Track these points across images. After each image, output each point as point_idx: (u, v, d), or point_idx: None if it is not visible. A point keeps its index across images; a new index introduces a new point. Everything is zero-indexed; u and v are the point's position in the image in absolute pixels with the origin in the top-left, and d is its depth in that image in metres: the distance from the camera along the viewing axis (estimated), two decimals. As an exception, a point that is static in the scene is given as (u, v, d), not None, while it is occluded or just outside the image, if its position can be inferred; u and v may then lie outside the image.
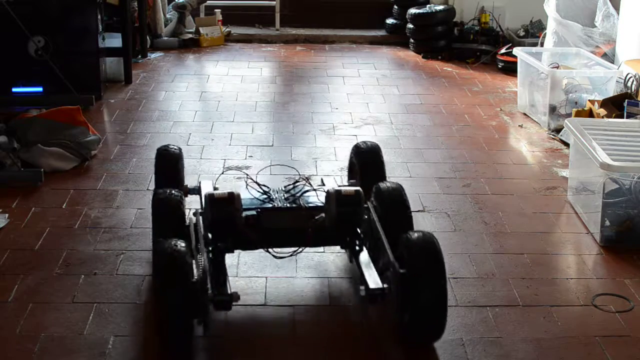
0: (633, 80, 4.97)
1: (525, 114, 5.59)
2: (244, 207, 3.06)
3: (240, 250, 3.31)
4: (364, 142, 3.66)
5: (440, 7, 7.25)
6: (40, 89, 5.49)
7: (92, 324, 2.97)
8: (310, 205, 3.17)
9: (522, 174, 4.55)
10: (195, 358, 2.81)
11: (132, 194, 4.12)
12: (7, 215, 3.81)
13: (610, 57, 5.77)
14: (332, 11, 8.01)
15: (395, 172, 4.49)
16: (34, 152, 4.36)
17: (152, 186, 4.19)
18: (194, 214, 3.16)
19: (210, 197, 3.01)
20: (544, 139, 5.12)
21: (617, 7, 5.91)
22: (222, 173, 4.30)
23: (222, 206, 3.00)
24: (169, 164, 3.54)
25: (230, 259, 3.45)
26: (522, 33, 7.19)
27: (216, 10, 7.58)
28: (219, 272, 2.94)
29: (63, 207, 3.96)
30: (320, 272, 3.38)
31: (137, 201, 4.04)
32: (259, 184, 3.29)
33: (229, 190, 3.03)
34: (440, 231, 3.78)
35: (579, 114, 4.85)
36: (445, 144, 4.98)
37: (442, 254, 2.76)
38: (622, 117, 4.60)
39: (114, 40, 6.02)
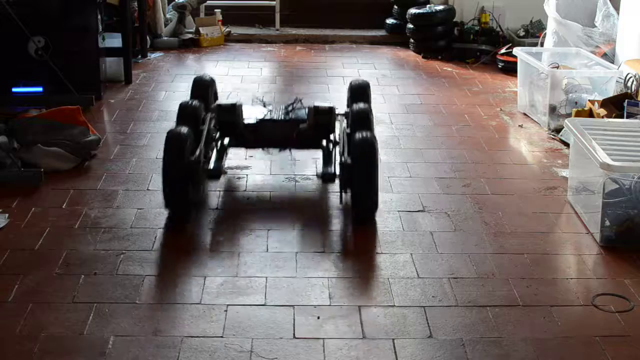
0: (633, 80, 4.97)
1: (525, 114, 5.60)
2: (248, 117, 4.22)
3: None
4: (357, 79, 4.62)
5: (440, 7, 7.25)
6: (40, 89, 5.48)
7: (92, 324, 2.97)
8: (298, 118, 4.23)
9: (522, 174, 4.55)
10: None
11: (132, 194, 4.12)
12: (7, 215, 3.81)
13: (610, 57, 5.77)
14: (332, 11, 8.01)
15: (395, 172, 4.49)
16: (34, 152, 4.36)
17: (152, 186, 4.21)
18: (206, 115, 4.12)
19: (218, 106, 4.21)
20: (544, 139, 5.12)
21: (617, 7, 5.92)
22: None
23: (227, 113, 4.14)
24: (201, 89, 4.42)
25: (230, 259, 3.46)
26: (522, 33, 7.19)
27: (216, 10, 7.58)
28: (220, 157, 4.13)
29: (63, 207, 3.96)
30: (320, 273, 3.38)
31: (137, 201, 4.04)
32: (262, 102, 4.46)
33: (233, 102, 4.17)
34: (440, 231, 3.78)
35: (579, 114, 4.85)
36: (445, 144, 4.98)
37: (377, 151, 3.74)
38: (622, 117, 4.60)
39: (114, 40, 6.02)
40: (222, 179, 4.24)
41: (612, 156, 3.63)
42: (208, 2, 7.73)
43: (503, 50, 6.79)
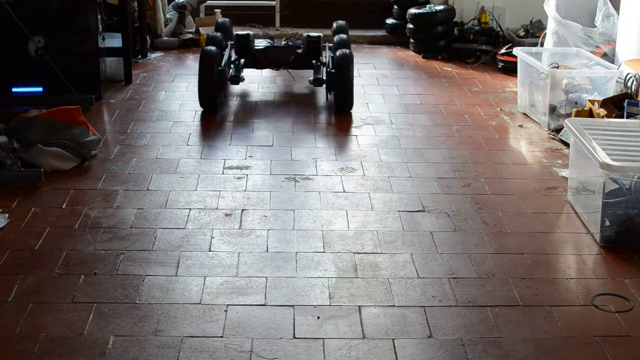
0: (633, 80, 4.97)
1: (525, 114, 5.59)
2: (258, 44, 5.96)
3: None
4: (338, 22, 6.60)
5: (440, 7, 7.25)
6: (40, 89, 5.49)
7: (92, 324, 2.97)
8: (294, 45, 5.98)
9: (522, 174, 4.55)
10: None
11: (132, 194, 4.12)
12: (7, 215, 3.81)
13: (610, 57, 5.77)
14: (332, 11, 7.99)
15: (395, 172, 4.49)
16: (34, 152, 4.36)
17: (152, 186, 4.21)
18: (227, 42, 6.03)
19: (236, 35, 5.89)
20: (544, 139, 5.12)
21: (617, 7, 5.91)
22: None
23: (242, 39, 5.83)
24: (223, 28, 6.30)
25: (230, 258, 3.47)
26: (522, 33, 7.19)
27: (216, 10, 7.58)
28: (238, 70, 5.72)
29: (63, 207, 3.96)
30: (320, 272, 3.39)
31: (137, 201, 4.04)
32: (270, 35, 6.47)
33: (248, 32, 5.91)
34: (440, 231, 3.78)
35: (579, 114, 4.85)
36: (445, 144, 4.98)
37: (353, 62, 5.43)
38: (622, 117, 4.60)
39: (114, 40, 6.02)
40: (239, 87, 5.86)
41: (612, 156, 3.63)
42: (208, 2, 7.73)
43: (503, 50, 6.79)
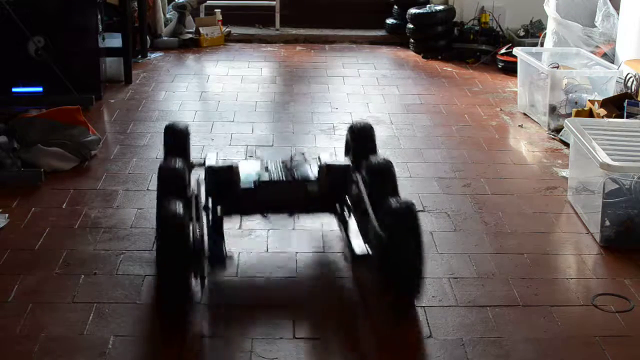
0: (633, 80, 4.97)
1: (525, 114, 5.59)
2: (243, 177, 3.39)
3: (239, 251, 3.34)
4: (358, 121, 3.86)
5: (440, 7, 7.25)
6: (40, 89, 5.48)
7: (92, 324, 2.97)
8: (304, 177, 3.46)
9: (522, 174, 4.55)
10: (195, 349, 2.82)
11: (132, 194, 4.12)
12: (7, 215, 3.81)
13: (610, 57, 5.77)
14: (332, 11, 8.01)
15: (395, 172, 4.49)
16: (34, 152, 4.36)
17: (152, 186, 4.21)
18: (197, 182, 3.43)
19: (211, 168, 3.37)
20: (544, 139, 5.12)
21: (617, 7, 5.91)
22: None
23: (222, 176, 3.35)
24: (178, 140, 3.73)
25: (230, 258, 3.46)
26: (522, 33, 7.19)
27: (216, 10, 7.57)
28: (217, 234, 3.22)
29: (63, 207, 3.96)
30: (320, 273, 3.38)
31: (137, 201, 4.04)
32: (258, 158, 3.61)
33: (229, 163, 3.41)
34: (440, 231, 3.78)
35: (579, 114, 4.85)
36: (445, 144, 4.98)
37: (419, 219, 3.01)
38: (622, 117, 4.60)
39: (114, 40, 6.01)
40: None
41: (612, 156, 3.63)
42: (208, 2, 7.73)
43: (503, 50, 6.79)
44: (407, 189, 4.28)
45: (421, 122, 5.40)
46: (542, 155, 4.84)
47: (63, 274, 3.32)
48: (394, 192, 3.30)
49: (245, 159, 3.71)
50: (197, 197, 3.33)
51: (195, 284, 3.03)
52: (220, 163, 3.44)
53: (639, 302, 3.21)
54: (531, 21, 7.20)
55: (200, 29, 7.38)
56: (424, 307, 3.14)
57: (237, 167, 3.39)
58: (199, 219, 3.17)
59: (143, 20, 6.77)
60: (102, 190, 4.17)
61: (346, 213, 3.44)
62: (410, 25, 7.33)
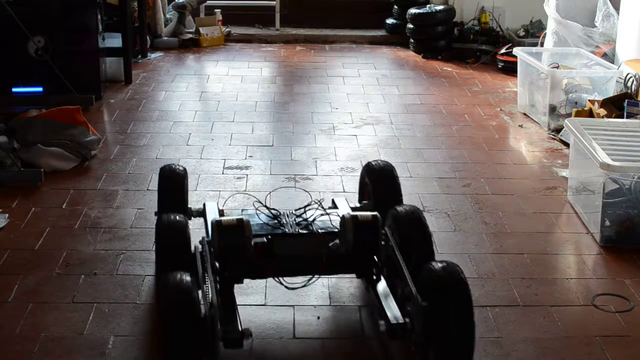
0: (633, 80, 4.97)
1: (525, 114, 5.59)
2: (253, 233, 2.84)
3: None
4: (376, 161, 3.45)
5: (440, 7, 7.25)
6: (40, 89, 5.48)
7: (92, 324, 2.97)
8: (324, 230, 2.99)
9: (522, 174, 4.55)
10: None
11: (132, 194, 4.12)
12: (7, 215, 3.81)
13: (610, 57, 5.77)
14: (332, 11, 8.01)
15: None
16: (34, 152, 4.36)
17: (152, 186, 4.20)
18: (200, 242, 2.96)
19: (217, 225, 2.81)
20: (544, 139, 5.12)
21: (617, 7, 5.91)
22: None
23: (231, 234, 2.80)
24: (174, 185, 3.34)
25: (230, 259, 3.45)
26: (522, 33, 7.19)
27: (216, 10, 7.58)
28: (228, 304, 2.76)
29: (63, 207, 3.96)
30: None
31: (137, 201, 4.04)
32: (268, 208, 3.06)
33: (238, 217, 2.85)
34: (440, 231, 3.78)
35: (579, 114, 4.85)
36: (445, 144, 4.98)
37: (468, 286, 2.57)
38: (622, 117, 4.60)
39: (114, 40, 6.01)
40: None
41: (612, 156, 3.63)
42: (208, 2, 7.73)
43: (503, 50, 6.79)
44: (407, 189, 4.28)
45: (421, 122, 5.40)
46: (542, 155, 4.84)
47: (63, 274, 3.32)
48: (429, 249, 2.89)
49: (254, 206, 3.12)
50: (203, 259, 2.85)
51: None
52: (228, 218, 2.88)
53: (639, 302, 3.21)
54: (531, 21, 7.20)
55: (200, 29, 7.39)
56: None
57: (248, 222, 2.83)
58: (205, 288, 2.68)
59: (143, 20, 6.78)
60: (102, 190, 4.17)
61: (374, 274, 2.98)
62: (410, 25, 7.33)
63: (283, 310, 3.10)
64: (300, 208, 3.11)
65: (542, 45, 6.45)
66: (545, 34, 6.40)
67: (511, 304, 3.19)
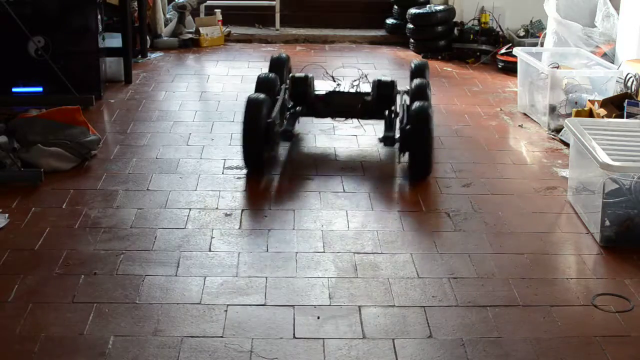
0: (633, 80, 4.97)
1: (525, 114, 5.59)
2: (318, 89, 4.89)
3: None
4: (417, 60, 5.45)
5: (440, 7, 7.26)
6: (40, 89, 5.49)
7: (92, 324, 2.97)
8: (362, 90, 4.86)
9: (522, 174, 4.55)
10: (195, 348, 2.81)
11: (132, 194, 4.12)
12: (7, 215, 3.81)
13: (610, 57, 5.77)
14: (332, 11, 8.01)
15: (396, 172, 4.49)
16: (34, 152, 4.36)
17: (152, 186, 4.21)
18: (280, 86, 4.79)
19: (292, 77, 4.88)
20: (544, 139, 5.12)
21: (617, 7, 5.92)
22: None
23: (300, 82, 4.83)
24: (277, 65, 5.10)
25: (230, 258, 3.47)
26: (522, 33, 7.19)
27: (216, 10, 7.58)
28: (292, 122, 4.70)
29: (63, 207, 3.96)
30: (320, 272, 3.38)
31: (137, 201, 4.04)
32: (332, 76, 5.07)
33: (306, 74, 4.86)
34: (440, 231, 3.78)
35: (579, 114, 4.85)
36: (445, 144, 4.98)
37: (432, 118, 4.28)
38: (622, 117, 4.60)
39: (114, 40, 6.02)
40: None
41: (612, 156, 3.63)
42: (208, 2, 7.73)
43: (503, 50, 6.80)
44: (407, 189, 4.29)
45: (421, 122, 5.39)
46: (542, 155, 4.84)
47: (63, 274, 3.32)
48: (424, 99, 4.51)
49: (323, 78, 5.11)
50: (284, 95, 4.72)
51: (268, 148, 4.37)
52: (301, 73, 4.88)
53: (639, 302, 3.21)
54: (531, 21, 7.20)
55: (200, 29, 7.39)
56: (424, 307, 3.14)
57: (312, 78, 4.88)
58: (281, 110, 4.58)
59: (143, 20, 6.78)
60: (102, 190, 4.17)
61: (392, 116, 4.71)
62: (410, 25, 7.33)
63: (283, 310, 3.10)
64: (355, 79, 4.97)
65: (542, 45, 6.45)
66: (545, 34, 6.41)
67: (511, 303, 3.19)
